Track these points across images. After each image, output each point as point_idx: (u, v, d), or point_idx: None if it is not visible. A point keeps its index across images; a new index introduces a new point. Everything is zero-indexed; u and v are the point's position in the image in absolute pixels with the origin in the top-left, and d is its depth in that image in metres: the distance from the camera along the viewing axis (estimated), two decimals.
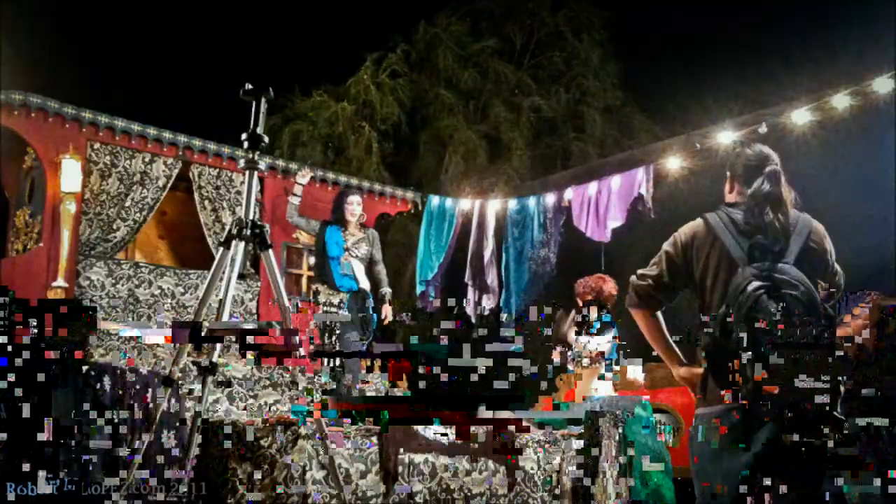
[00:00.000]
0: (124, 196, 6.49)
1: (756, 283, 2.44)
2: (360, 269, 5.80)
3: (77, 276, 6.18)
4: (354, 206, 5.92)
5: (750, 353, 2.33)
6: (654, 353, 3.02)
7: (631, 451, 5.93)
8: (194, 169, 6.88)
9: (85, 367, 4.39)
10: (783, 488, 2.31)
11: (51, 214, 6.12)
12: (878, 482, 2.48)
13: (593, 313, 5.13)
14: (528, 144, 11.60)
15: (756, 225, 2.56)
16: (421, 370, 2.17)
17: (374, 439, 5.01)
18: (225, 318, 2.62)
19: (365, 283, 5.82)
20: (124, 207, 6.48)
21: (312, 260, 7.19)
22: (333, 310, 5.73)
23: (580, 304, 5.18)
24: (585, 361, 5.09)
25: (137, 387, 4.55)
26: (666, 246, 2.79)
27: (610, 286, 5.13)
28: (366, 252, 5.85)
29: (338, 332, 5.65)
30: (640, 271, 2.82)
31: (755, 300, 2.41)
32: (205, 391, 2.52)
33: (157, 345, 6.45)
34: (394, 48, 11.56)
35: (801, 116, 6.07)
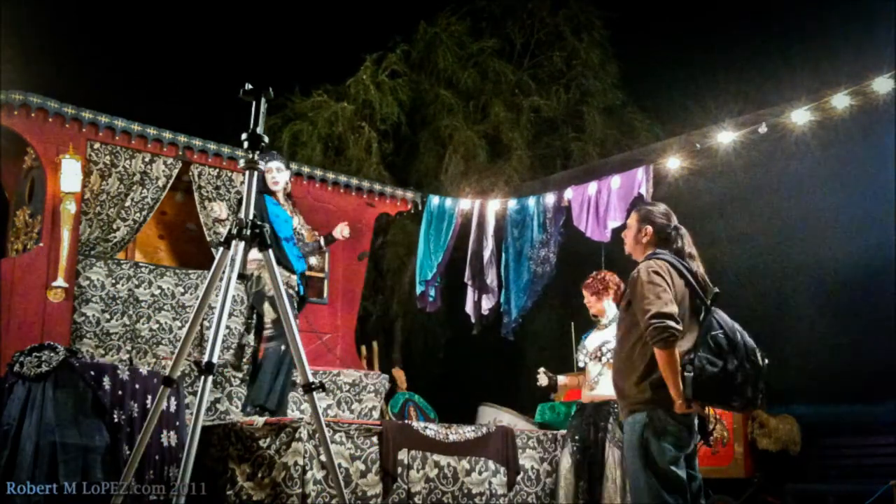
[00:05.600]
0: (124, 196, 6.49)
1: None
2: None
3: (77, 275, 6.18)
4: (275, 173, 5.25)
5: None
6: None
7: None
8: (194, 169, 6.87)
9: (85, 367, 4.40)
10: None
11: (51, 214, 6.12)
12: None
13: (592, 308, 5.08)
14: (528, 144, 11.56)
15: None
16: None
17: (375, 439, 5.00)
18: (224, 318, 2.61)
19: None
20: (124, 207, 6.48)
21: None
22: (293, 292, 5.24)
23: (590, 301, 5.10)
24: (582, 359, 5.03)
25: (137, 386, 4.55)
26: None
27: (616, 278, 5.11)
28: (297, 225, 5.42)
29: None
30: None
31: None
32: (205, 391, 2.52)
33: (157, 344, 6.45)
34: (394, 48, 11.53)
35: (801, 116, 6.07)
